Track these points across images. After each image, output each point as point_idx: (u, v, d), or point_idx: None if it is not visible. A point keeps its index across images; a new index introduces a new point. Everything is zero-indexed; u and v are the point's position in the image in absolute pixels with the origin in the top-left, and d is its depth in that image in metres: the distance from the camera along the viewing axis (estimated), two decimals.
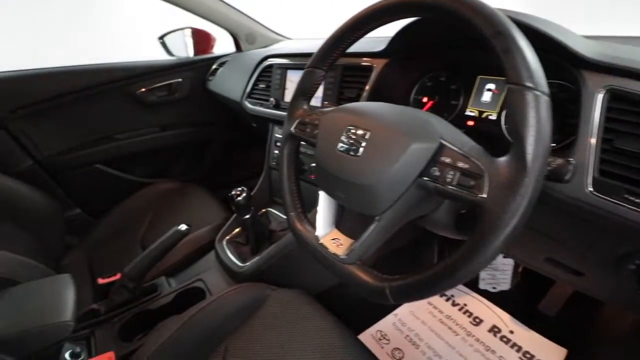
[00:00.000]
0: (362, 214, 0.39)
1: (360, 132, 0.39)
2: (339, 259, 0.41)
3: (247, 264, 0.75)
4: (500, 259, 0.54)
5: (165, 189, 1.16)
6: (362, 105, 0.44)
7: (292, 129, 0.51)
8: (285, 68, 0.83)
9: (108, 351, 0.60)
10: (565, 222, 0.46)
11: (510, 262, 0.54)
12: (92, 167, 1.13)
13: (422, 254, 1.01)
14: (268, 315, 0.63)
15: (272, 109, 0.83)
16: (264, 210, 0.87)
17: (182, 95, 1.23)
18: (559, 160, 0.33)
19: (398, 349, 0.86)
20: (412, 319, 0.93)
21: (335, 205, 0.46)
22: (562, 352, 0.85)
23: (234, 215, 0.86)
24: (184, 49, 1.26)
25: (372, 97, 0.63)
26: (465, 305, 0.96)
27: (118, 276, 0.73)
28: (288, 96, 0.81)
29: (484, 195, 0.31)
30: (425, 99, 0.64)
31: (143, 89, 1.16)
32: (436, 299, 0.98)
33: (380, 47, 0.61)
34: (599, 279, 0.50)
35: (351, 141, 0.40)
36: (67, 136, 1.08)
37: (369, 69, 0.63)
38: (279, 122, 0.85)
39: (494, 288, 0.56)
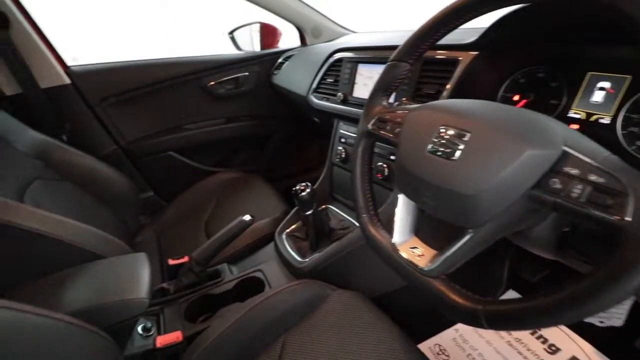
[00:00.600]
0: (451, 223, 0.35)
1: (452, 132, 0.35)
2: (420, 271, 0.37)
3: (307, 260, 0.74)
4: None
5: (228, 178, 1.20)
6: (458, 102, 0.39)
7: (369, 126, 0.48)
8: (355, 62, 0.80)
9: (175, 330, 0.63)
10: None
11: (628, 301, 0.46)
12: (166, 154, 1.21)
13: (490, 266, 0.92)
14: (327, 314, 0.61)
15: (338, 104, 0.81)
16: (324, 206, 0.86)
17: (247, 88, 1.26)
18: None
19: None
20: (476, 336, 0.86)
21: (415, 210, 0.42)
22: None
23: (294, 209, 0.87)
24: (251, 43, 1.29)
25: (455, 94, 0.57)
26: (539, 329, 0.86)
27: (186, 259, 0.77)
28: (357, 91, 0.79)
29: (629, 219, 0.25)
30: (516, 97, 0.57)
31: (212, 82, 1.21)
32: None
33: (470, 38, 0.56)
34: None
35: (444, 142, 0.35)
36: (146, 124, 1.17)
37: (453, 62, 0.58)
38: (345, 117, 0.83)
39: (602, 322, 0.48)
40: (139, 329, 0.64)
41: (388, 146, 0.69)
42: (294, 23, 1.21)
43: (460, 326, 0.90)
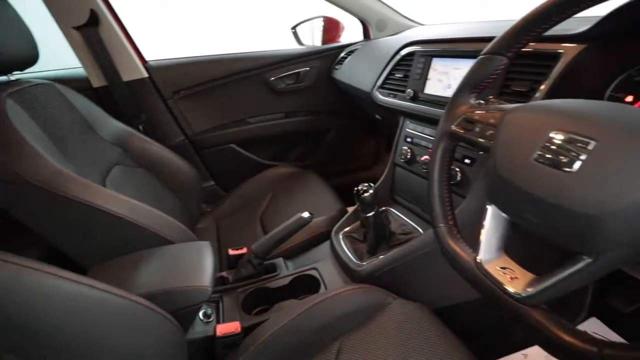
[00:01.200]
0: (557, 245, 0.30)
1: (569, 138, 0.29)
2: (513, 296, 0.33)
3: (364, 263, 0.71)
4: None
5: (285, 172, 1.21)
6: (575, 102, 0.33)
7: (452, 126, 0.43)
8: (430, 56, 0.74)
9: (233, 319, 0.65)
10: None
11: None
12: (228, 146, 1.25)
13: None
14: (387, 324, 0.58)
15: (407, 101, 0.76)
16: (384, 208, 0.82)
17: (307, 83, 1.26)
18: None
19: None
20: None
21: (506, 225, 0.37)
22: None
23: (353, 209, 0.84)
24: (312, 38, 1.28)
25: (553, 93, 0.50)
26: None
27: (245, 250, 0.78)
28: (429, 87, 0.73)
29: None
30: (629, 98, 0.48)
31: (273, 77, 1.22)
32: None
33: (579, 28, 0.48)
34: None
35: (557, 149, 0.30)
36: (211, 117, 1.22)
37: (554, 56, 0.50)
38: (413, 115, 0.78)
39: None
40: (200, 314, 0.66)
41: (464, 148, 0.64)
42: (357, 16, 1.18)
43: (529, 351, 0.81)
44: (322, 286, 0.73)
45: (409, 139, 0.79)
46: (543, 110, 0.34)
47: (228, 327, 0.61)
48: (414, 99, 0.76)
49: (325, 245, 0.84)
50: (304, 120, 1.31)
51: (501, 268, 0.35)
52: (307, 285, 0.74)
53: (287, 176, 1.19)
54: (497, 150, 0.35)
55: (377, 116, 1.00)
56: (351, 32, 1.24)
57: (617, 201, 0.26)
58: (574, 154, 0.29)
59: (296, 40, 1.28)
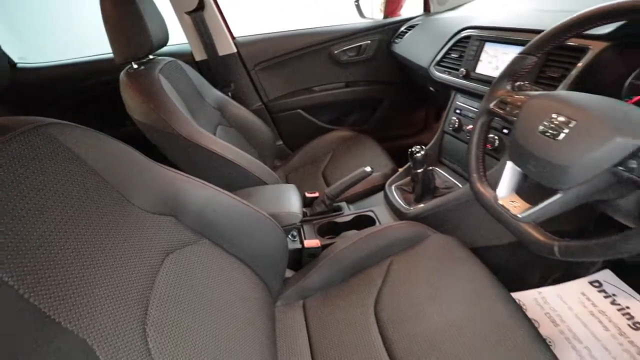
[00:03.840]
0: (546, 186, 0.48)
1: (562, 119, 0.46)
2: (514, 217, 0.52)
3: (411, 208, 0.92)
4: None
5: (343, 136, 1.42)
6: (571, 95, 0.49)
7: (491, 105, 0.60)
8: (483, 40, 0.87)
9: (313, 239, 0.90)
10: None
11: None
12: (295, 111, 1.47)
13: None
14: (427, 249, 0.79)
15: (460, 79, 0.91)
16: (431, 167, 1.00)
17: (367, 55, 1.41)
18: None
19: (535, 320, 0.91)
20: (558, 301, 0.94)
21: (519, 175, 0.55)
22: None
23: (406, 166, 1.03)
24: (372, 11, 1.40)
25: (580, 80, 0.64)
26: (627, 307, 0.90)
27: (317, 194, 1.02)
28: (480, 68, 0.87)
29: None
30: None
31: (337, 50, 1.38)
32: (592, 292, 0.95)
33: (605, 29, 0.60)
34: None
35: (553, 126, 0.47)
36: (283, 86, 1.43)
37: (582, 49, 0.63)
38: (464, 91, 0.93)
39: None
40: (289, 235, 0.92)
41: (503, 122, 0.79)
42: None
43: (543, 289, 0.99)
44: (377, 223, 0.95)
45: (457, 111, 0.95)
46: (552, 99, 0.50)
47: (311, 243, 0.86)
48: (466, 76, 0.90)
49: (380, 194, 1.05)
50: (362, 90, 1.47)
51: (511, 201, 0.54)
52: (365, 222, 0.97)
53: (345, 139, 1.39)
54: (517, 124, 0.52)
55: (431, 89, 1.15)
56: (413, 4, 1.34)
57: (580, 157, 0.43)
58: (561, 128, 0.46)
59: (358, 13, 1.41)
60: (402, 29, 1.32)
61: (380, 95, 1.50)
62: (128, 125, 1.06)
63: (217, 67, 1.27)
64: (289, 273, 0.86)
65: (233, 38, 1.30)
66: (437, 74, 1.01)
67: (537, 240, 0.48)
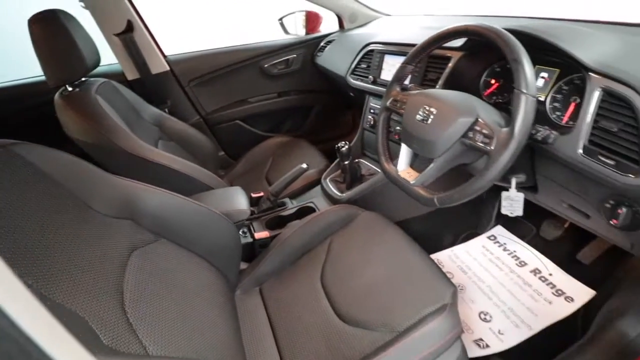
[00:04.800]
0: (427, 158, 0.66)
1: (430, 109, 0.65)
2: (410, 183, 0.70)
3: (344, 194, 1.08)
4: (514, 192, 0.74)
5: (280, 141, 1.55)
6: (436, 91, 0.69)
7: (387, 103, 0.78)
8: (383, 53, 1.08)
9: (263, 232, 1.01)
10: (570, 174, 0.66)
11: (521, 195, 0.73)
12: (234, 122, 1.57)
13: (485, 209, 1.23)
14: (360, 225, 0.95)
15: (370, 84, 1.11)
16: (356, 160, 1.18)
17: (295, 68, 1.57)
18: (545, 132, 0.56)
19: (450, 272, 1.13)
20: (466, 255, 1.18)
21: (410, 153, 0.74)
22: (590, 292, 1.02)
23: (335, 162, 1.20)
24: (296, 29, 1.57)
25: (449, 80, 0.85)
26: (515, 251, 1.16)
27: (262, 193, 1.13)
28: (383, 75, 1.07)
29: (492, 148, 0.56)
30: (493, 81, 0.84)
31: (267, 64, 1.52)
32: (489, 244, 1.20)
33: (458, 43, 0.83)
34: (599, 221, 0.69)
35: (425, 114, 0.66)
36: (218, 99, 1.52)
37: (447, 58, 0.85)
38: (374, 94, 1.12)
39: (512, 213, 0.77)
40: (241, 232, 1.02)
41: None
42: (333, 10, 1.48)
43: (455, 248, 1.22)
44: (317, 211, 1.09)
45: (372, 111, 1.14)
46: (424, 95, 0.69)
47: (261, 234, 0.98)
48: (374, 82, 1.10)
49: (317, 188, 1.20)
50: (294, 99, 1.63)
51: (407, 172, 0.72)
52: (307, 213, 1.10)
53: (283, 144, 1.52)
54: (404, 116, 0.71)
55: (351, 94, 1.34)
56: (329, 23, 1.54)
57: (441, 134, 0.62)
58: (429, 116, 0.65)
59: (283, 30, 1.57)
60: (322, 43, 1.51)
61: (310, 103, 1.67)
62: (67, 145, 1.07)
63: (152, 85, 1.32)
64: (243, 265, 0.96)
65: (165, 56, 1.36)
66: (353, 81, 1.20)
67: (424, 196, 0.66)
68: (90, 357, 0.26)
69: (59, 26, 0.85)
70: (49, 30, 0.85)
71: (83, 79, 0.97)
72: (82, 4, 1.15)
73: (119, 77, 1.30)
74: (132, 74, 1.31)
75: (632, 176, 0.55)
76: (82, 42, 0.88)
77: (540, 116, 0.70)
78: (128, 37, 1.23)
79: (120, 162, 0.93)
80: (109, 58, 1.25)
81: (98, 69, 0.98)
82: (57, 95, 0.91)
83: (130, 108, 1.09)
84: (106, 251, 0.56)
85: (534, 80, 0.55)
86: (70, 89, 0.92)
